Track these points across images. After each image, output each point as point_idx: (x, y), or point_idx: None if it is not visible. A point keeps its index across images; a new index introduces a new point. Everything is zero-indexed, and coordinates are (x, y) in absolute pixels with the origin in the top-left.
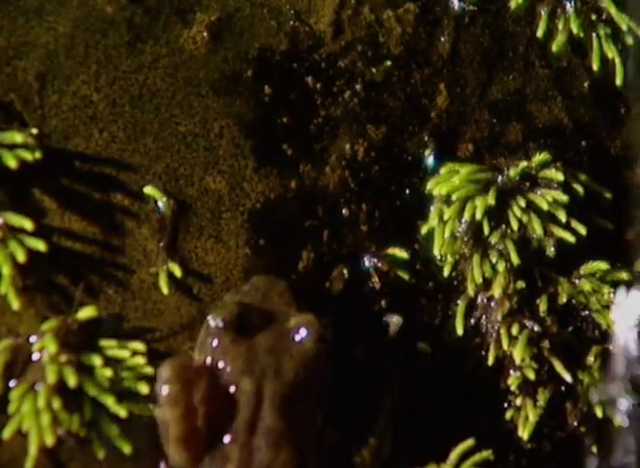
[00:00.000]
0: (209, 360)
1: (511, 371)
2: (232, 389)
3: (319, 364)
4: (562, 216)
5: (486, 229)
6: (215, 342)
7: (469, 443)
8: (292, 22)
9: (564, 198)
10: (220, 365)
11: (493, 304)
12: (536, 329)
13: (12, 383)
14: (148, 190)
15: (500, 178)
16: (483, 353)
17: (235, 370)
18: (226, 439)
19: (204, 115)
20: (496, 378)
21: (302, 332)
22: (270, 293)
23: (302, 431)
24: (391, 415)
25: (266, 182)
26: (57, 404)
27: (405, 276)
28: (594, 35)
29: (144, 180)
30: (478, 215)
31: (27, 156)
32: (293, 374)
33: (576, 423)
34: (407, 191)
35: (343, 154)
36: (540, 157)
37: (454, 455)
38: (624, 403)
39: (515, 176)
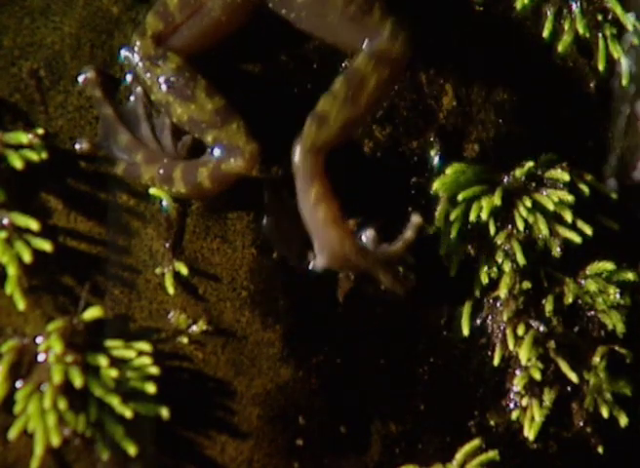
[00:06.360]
0: None
1: (517, 372)
2: None
3: None
4: (568, 217)
5: (492, 229)
6: None
7: (475, 443)
8: None
9: (570, 198)
10: None
11: (499, 305)
12: (541, 329)
13: (18, 384)
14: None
15: (505, 179)
16: (489, 353)
17: None
18: None
19: None
20: (501, 378)
21: None
22: None
23: None
24: None
25: None
26: (62, 404)
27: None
28: (600, 35)
29: None
30: (484, 216)
31: (33, 156)
32: None
33: (582, 423)
34: (412, 192)
35: None
36: (545, 157)
37: (459, 455)
38: None
39: (521, 177)
